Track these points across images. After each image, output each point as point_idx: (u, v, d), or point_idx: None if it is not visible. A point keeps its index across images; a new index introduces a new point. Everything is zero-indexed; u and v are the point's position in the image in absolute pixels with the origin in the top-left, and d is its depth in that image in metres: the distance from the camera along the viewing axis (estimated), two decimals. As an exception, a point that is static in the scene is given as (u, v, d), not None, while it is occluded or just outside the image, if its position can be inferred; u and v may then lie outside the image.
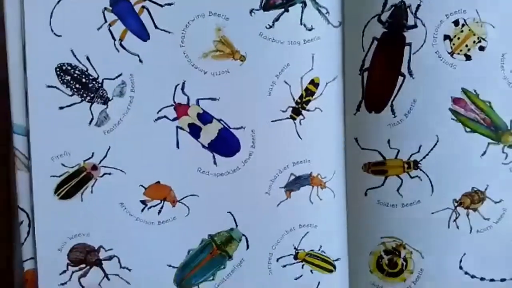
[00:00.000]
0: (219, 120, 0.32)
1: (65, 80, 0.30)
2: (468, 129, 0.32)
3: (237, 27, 0.32)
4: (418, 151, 0.32)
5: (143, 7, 0.31)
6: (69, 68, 0.30)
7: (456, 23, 0.31)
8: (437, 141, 0.32)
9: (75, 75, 0.30)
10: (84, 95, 0.31)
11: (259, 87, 0.32)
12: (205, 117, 0.32)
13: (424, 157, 0.32)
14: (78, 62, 0.30)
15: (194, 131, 0.32)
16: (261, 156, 0.32)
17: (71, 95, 0.30)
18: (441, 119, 0.32)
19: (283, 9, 0.32)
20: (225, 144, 0.32)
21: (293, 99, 0.33)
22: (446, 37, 0.31)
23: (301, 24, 0.33)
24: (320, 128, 0.33)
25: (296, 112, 0.33)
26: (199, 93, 0.32)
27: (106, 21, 0.31)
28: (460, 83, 0.31)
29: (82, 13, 0.30)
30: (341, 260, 0.34)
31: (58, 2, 0.30)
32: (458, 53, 0.31)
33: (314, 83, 0.33)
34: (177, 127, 0.32)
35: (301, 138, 0.33)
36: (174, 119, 0.32)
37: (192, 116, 0.32)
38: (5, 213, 0.34)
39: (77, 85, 0.30)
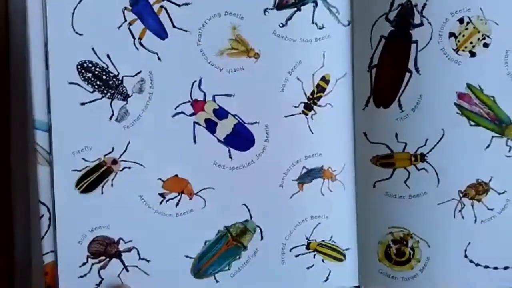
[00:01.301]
0: (234, 116, 0.33)
1: (86, 77, 0.31)
2: (472, 123, 0.33)
3: (252, 26, 0.33)
4: (425, 145, 0.33)
5: (161, 7, 0.32)
6: (90, 65, 0.31)
7: (461, 21, 0.33)
8: (443, 135, 0.33)
9: (96, 72, 0.31)
10: (105, 91, 0.32)
11: (272, 84, 0.33)
12: (221, 113, 0.33)
13: (430, 150, 0.33)
14: (99, 60, 0.31)
15: (210, 126, 0.33)
16: (274, 150, 0.34)
17: (92, 92, 0.31)
18: (447, 114, 0.33)
19: (295, 9, 0.34)
20: (240, 138, 0.33)
21: (305, 95, 0.34)
22: (451, 34, 0.33)
23: (312, 23, 0.34)
24: (330, 123, 0.35)
25: (308, 107, 0.34)
26: (215, 90, 0.33)
27: (126, 20, 0.32)
28: (465, 79, 0.33)
29: (103, 13, 0.31)
30: (350, 249, 0.35)
31: (80, 1, 0.31)
32: (463, 50, 0.33)
33: (325, 79, 0.34)
34: (194, 122, 0.33)
35: (312, 133, 0.34)
36: (191, 115, 0.33)
37: (208, 111, 0.33)
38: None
39: (98, 82, 0.31)
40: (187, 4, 0.32)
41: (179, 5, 0.32)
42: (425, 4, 0.33)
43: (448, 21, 0.33)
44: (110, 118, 0.32)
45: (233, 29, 0.33)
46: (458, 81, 0.33)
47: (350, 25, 0.35)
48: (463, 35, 0.33)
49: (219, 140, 0.33)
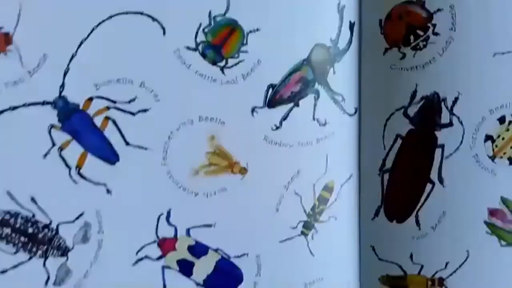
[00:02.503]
0: (216, 250, 0.26)
1: (3, 235, 0.22)
2: (504, 243, 0.28)
3: (236, 132, 0.25)
4: (445, 268, 0.28)
5: (107, 118, 0.22)
6: (7, 217, 0.22)
7: (501, 120, 0.26)
8: (467, 257, 0.28)
9: (18, 225, 0.22)
10: (34, 249, 0.22)
11: (264, 204, 0.26)
12: (198, 249, 0.25)
13: (451, 274, 0.28)
14: (20, 207, 0.22)
15: (185, 267, 0.25)
16: (268, 285, 0.27)
17: (15, 253, 0.22)
18: (474, 233, 0.27)
19: (292, 104, 0.25)
20: (225, 277, 0.26)
21: (305, 212, 0.27)
22: (488, 137, 0.26)
23: (313, 119, 0.26)
24: (334, 240, 0.28)
25: (308, 226, 0.27)
26: (190, 221, 0.25)
27: (54, 144, 0.22)
28: (500, 192, 0.27)
29: (18, 137, 0.21)
30: None
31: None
32: (501, 157, 0.27)
33: (327, 188, 0.27)
34: (163, 267, 0.25)
35: (313, 255, 0.27)
36: (158, 258, 0.25)
37: (181, 250, 0.25)
38: None
39: (22, 238, 0.22)
40: (144, 110, 0.23)
41: (133, 113, 0.23)
42: (456, 98, 0.26)
43: (485, 120, 0.26)
44: (46, 282, 0.23)
45: (211, 139, 0.24)
46: (491, 195, 0.27)
47: (357, 113, 0.27)
48: (503, 138, 0.26)
49: (197, 284, 0.26)
